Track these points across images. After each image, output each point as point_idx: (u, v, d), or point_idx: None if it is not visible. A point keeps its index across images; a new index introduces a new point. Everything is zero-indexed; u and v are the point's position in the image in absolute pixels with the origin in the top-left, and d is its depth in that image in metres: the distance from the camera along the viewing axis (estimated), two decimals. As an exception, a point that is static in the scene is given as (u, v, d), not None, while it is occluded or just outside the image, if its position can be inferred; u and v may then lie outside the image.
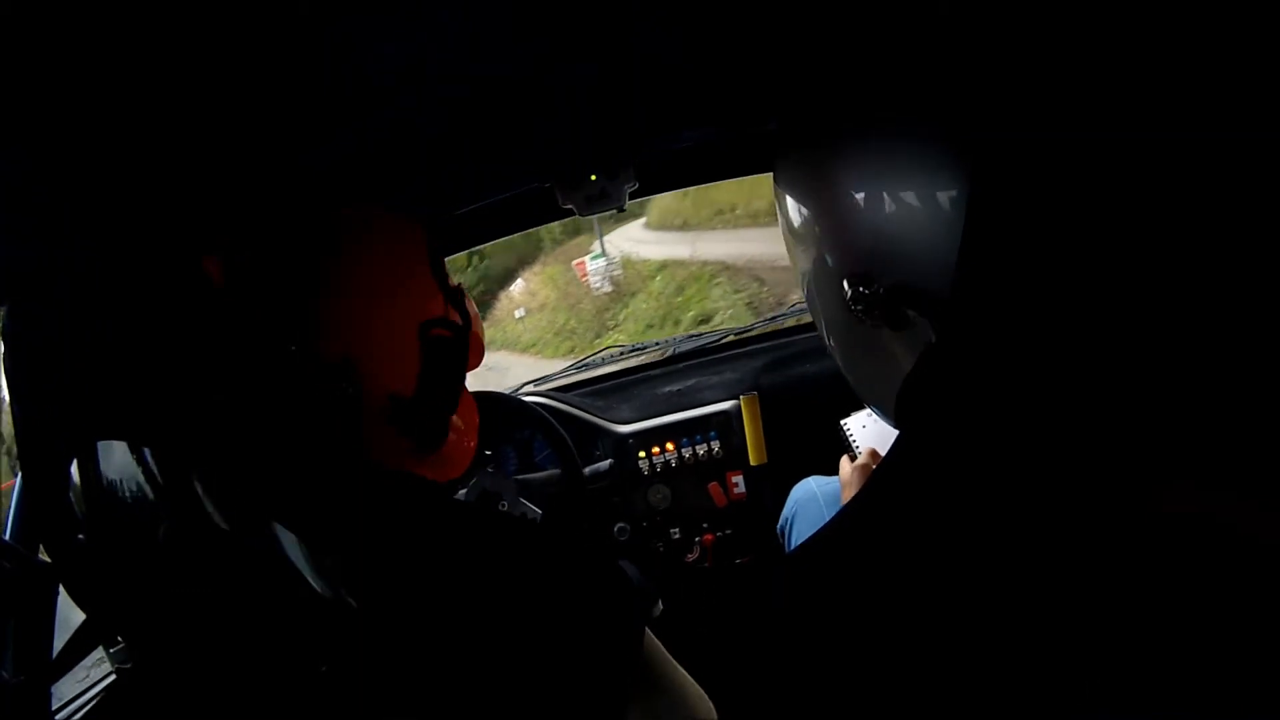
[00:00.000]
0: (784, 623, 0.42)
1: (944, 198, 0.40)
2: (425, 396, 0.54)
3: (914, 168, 0.41)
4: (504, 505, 1.36)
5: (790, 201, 0.50)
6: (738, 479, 1.45)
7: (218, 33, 0.49)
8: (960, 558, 0.36)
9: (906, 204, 0.41)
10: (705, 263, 7.69)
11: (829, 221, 0.46)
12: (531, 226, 1.23)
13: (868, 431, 0.96)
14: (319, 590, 0.45)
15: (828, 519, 0.44)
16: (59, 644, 0.58)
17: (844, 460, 0.91)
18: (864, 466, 0.86)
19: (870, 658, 0.37)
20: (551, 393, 1.55)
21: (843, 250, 0.45)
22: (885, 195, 0.42)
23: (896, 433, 0.42)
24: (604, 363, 1.71)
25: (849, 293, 0.44)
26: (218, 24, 0.48)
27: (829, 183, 0.45)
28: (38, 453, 0.50)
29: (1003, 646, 0.34)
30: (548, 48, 0.66)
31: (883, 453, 0.88)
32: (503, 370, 5.97)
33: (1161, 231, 0.33)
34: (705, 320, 6.34)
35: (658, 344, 1.75)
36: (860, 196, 0.43)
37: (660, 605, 1.27)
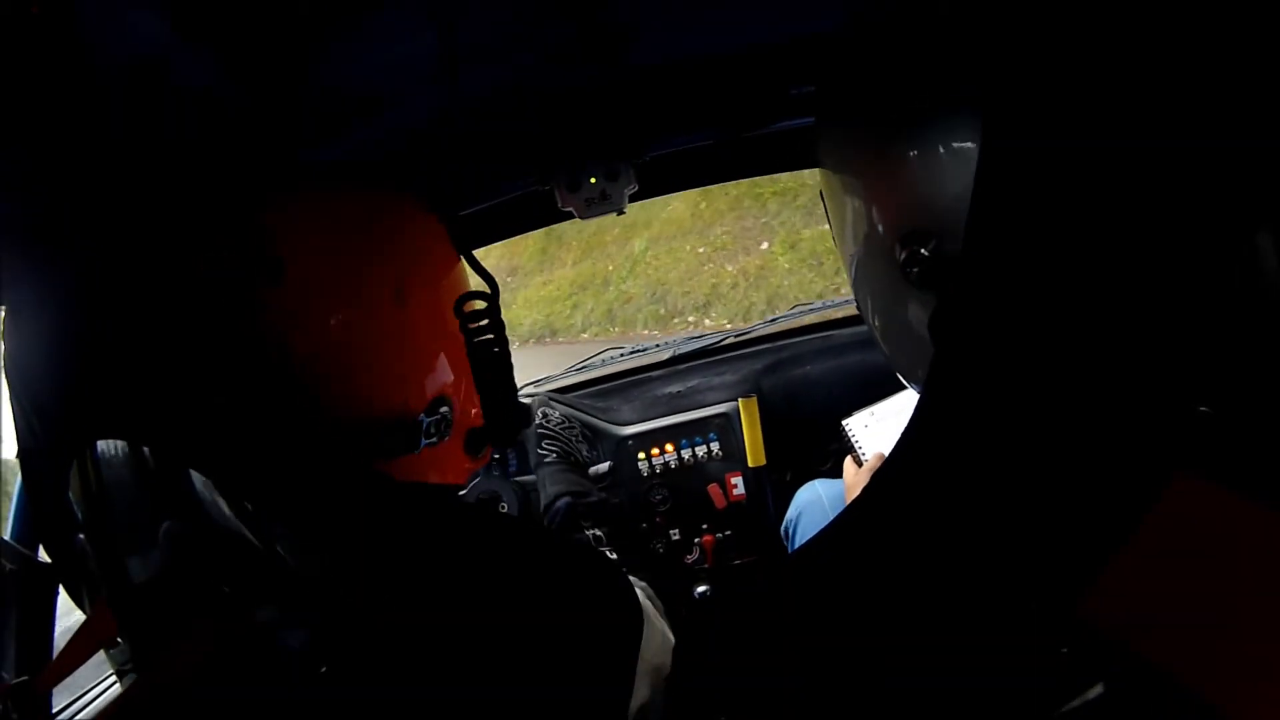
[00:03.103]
0: (785, 621, 0.42)
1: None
2: (489, 393, 0.52)
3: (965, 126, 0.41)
4: (504, 507, 1.36)
5: (839, 177, 0.50)
6: (737, 480, 1.45)
7: (217, 32, 0.49)
8: (969, 556, 0.35)
9: (961, 163, 0.41)
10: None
11: (881, 184, 0.46)
12: (532, 229, 1.23)
13: (870, 432, 0.95)
14: (319, 591, 0.45)
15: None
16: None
17: (848, 462, 0.91)
18: (871, 468, 0.85)
19: (872, 658, 0.37)
20: (551, 393, 1.55)
21: (895, 211, 0.45)
22: (941, 155, 0.42)
23: (899, 433, 0.42)
24: (604, 364, 1.71)
25: (902, 255, 0.43)
26: (218, 24, 0.48)
27: (881, 148, 0.45)
28: (38, 453, 0.50)
29: (1007, 648, 0.34)
30: (548, 49, 0.67)
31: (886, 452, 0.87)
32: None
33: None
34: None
35: (658, 345, 1.74)
36: (914, 157, 0.43)
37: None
